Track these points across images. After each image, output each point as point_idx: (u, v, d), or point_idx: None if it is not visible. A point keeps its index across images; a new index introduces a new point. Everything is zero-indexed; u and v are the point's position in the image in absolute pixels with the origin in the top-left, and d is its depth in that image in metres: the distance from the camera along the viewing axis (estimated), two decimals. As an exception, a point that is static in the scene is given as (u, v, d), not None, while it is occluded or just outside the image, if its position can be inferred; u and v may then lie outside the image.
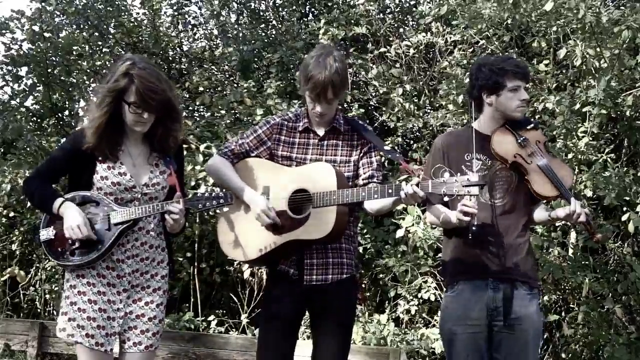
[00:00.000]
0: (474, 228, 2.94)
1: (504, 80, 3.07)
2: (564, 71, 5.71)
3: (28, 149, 6.57)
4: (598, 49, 5.19)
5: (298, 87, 3.34)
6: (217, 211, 2.98)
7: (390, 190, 2.90)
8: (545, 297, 5.59)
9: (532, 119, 3.78)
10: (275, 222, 3.08)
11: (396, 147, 6.28)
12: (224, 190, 2.99)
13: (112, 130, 2.93)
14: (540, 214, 3.16)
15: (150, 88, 2.84)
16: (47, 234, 3.00)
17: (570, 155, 5.25)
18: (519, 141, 3.09)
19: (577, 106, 5.29)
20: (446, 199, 2.83)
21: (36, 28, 7.28)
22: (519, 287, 3.05)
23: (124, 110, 2.90)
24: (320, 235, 3.02)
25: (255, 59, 7.44)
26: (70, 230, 2.88)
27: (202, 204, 2.96)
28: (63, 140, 5.54)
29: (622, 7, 5.45)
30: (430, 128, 6.29)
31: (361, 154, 3.21)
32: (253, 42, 7.40)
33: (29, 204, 5.84)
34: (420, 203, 3.47)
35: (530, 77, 3.27)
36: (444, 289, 3.33)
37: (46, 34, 7.26)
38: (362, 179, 3.18)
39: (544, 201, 3.18)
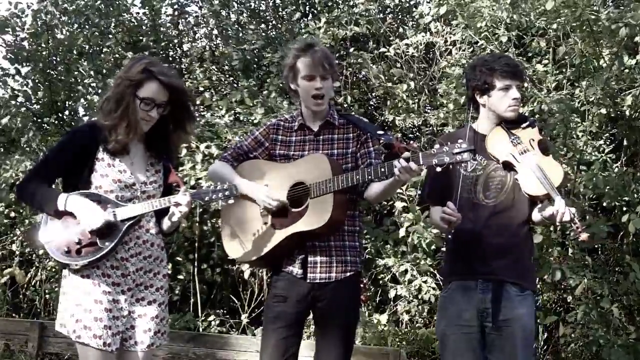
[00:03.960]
0: (449, 236, 2.98)
1: (493, 80, 3.06)
2: (563, 70, 5.70)
3: (28, 148, 6.57)
4: (597, 48, 5.18)
5: (288, 88, 3.34)
6: (222, 203, 2.99)
7: (383, 169, 2.90)
8: (545, 297, 5.58)
9: (531, 118, 3.76)
10: (282, 203, 3.10)
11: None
12: (228, 183, 3.00)
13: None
14: (536, 214, 3.13)
15: (169, 79, 2.90)
16: (48, 236, 2.93)
17: (569, 155, 5.25)
18: (511, 140, 3.08)
19: (576, 105, 5.28)
20: (439, 169, 2.80)
21: (37, 27, 7.28)
22: (508, 289, 3.01)
23: (133, 108, 2.89)
24: (319, 225, 3.02)
25: (256, 59, 7.44)
26: (88, 226, 2.84)
27: (208, 197, 2.97)
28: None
29: (621, 7, 5.44)
30: (430, 127, 6.29)
31: (358, 146, 3.22)
32: (253, 42, 7.40)
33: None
34: (420, 201, 3.45)
35: (523, 75, 3.24)
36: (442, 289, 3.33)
37: (47, 33, 7.27)
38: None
39: (542, 201, 3.16)
